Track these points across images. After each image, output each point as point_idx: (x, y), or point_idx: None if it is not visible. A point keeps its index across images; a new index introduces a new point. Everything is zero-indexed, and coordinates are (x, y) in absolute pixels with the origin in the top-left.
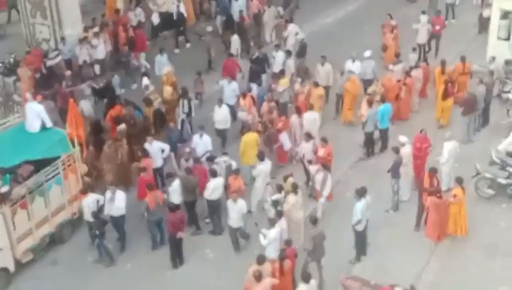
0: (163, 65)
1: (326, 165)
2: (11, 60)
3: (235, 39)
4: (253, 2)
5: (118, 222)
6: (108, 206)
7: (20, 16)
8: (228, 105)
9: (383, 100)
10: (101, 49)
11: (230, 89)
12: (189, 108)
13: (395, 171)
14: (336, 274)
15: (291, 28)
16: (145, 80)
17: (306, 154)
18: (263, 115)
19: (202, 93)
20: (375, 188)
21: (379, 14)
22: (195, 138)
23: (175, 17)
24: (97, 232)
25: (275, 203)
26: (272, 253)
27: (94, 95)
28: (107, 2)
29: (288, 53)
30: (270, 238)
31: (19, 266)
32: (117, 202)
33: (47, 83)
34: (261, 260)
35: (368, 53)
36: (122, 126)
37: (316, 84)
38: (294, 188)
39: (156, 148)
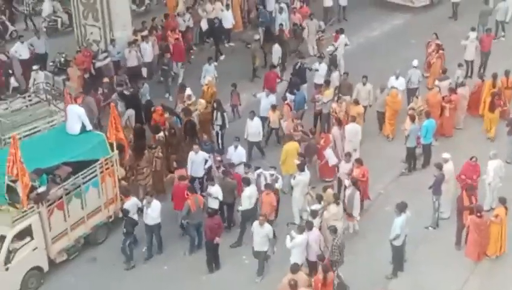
0: (211, 74)
1: (356, 184)
2: (62, 60)
3: (276, 49)
4: (296, 15)
5: (153, 230)
6: (144, 215)
7: (73, 17)
8: (261, 117)
9: (427, 115)
10: (149, 52)
11: (268, 101)
12: (223, 121)
13: (436, 188)
14: (371, 288)
15: (342, 39)
16: (188, 90)
17: (342, 175)
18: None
19: (238, 105)
20: (415, 203)
21: (427, 28)
22: (230, 149)
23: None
24: (124, 230)
25: (314, 213)
26: (296, 258)
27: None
28: (168, 2)
29: (334, 65)
30: (294, 243)
31: (53, 263)
32: (151, 212)
33: (95, 84)
34: (295, 269)
35: (415, 62)
36: (161, 134)
37: (356, 102)
38: (336, 199)
39: (201, 158)
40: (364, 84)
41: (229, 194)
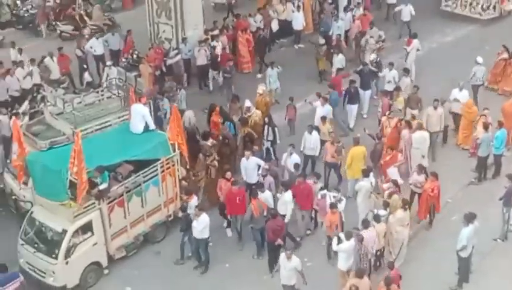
0: (275, 78)
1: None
2: (134, 56)
3: (339, 59)
4: (355, 23)
5: (199, 245)
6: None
7: (146, 15)
8: (315, 127)
9: (500, 125)
10: (219, 52)
11: (324, 111)
12: (274, 136)
13: (507, 199)
14: None
15: (415, 43)
16: (247, 102)
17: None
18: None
19: (294, 120)
20: (484, 214)
21: (503, 34)
22: (284, 156)
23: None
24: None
25: (377, 218)
26: (342, 264)
27: None
28: None
29: (406, 71)
30: (339, 248)
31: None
32: (197, 225)
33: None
34: (360, 273)
35: (479, 59)
36: (209, 142)
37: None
38: (405, 204)
39: (253, 164)
40: (435, 108)
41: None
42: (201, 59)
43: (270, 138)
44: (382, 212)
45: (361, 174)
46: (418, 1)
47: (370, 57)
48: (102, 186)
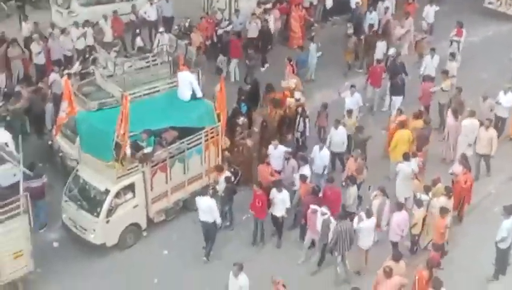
0: (313, 54)
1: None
2: (186, 25)
3: (381, 45)
4: (387, 15)
5: (206, 228)
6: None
7: None
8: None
9: None
10: (271, 25)
11: (354, 101)
12: (304, 127)
13: None
14: (471, 288)
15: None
16: (298, 94)
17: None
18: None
19: (325, 127)
20: None
21: None
22: (315, 149)
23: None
24: (223, 194)
25: (419, 203)
26: (363, 242)
27: None
28: None
29: (452, 55)
30: (359, 227)
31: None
32: (201, 205)
33: (216, 51)
34: (397, 257)
35: None
36: (240, 121)
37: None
38: (448, 192)
39: (280, 153)
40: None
41: None
42: (253, 32)
43: (301, 129)
44: (424, 197)
45: (402, 157)
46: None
47: (389, 52)
48: (147, 150)
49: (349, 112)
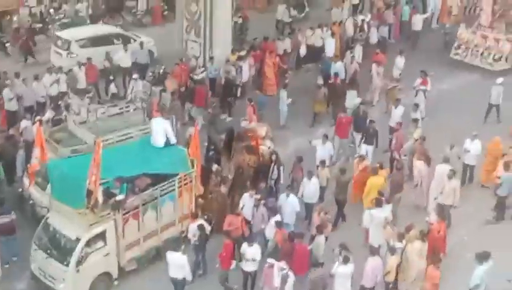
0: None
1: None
2: (161, 71)
3: (352, 94)
4: (353, 64)
5: (176, 285)
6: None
7: (176, 31)
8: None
9: None
10: (245, 72)
11: (326, 150)
12: (278, 175)
13: None
14: None
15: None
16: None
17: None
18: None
19: (299, 180)
20: (499, 254)
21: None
22: (282, 197)
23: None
24: (197, 243)
25: (392, 250)
26: (338, 288)
27: None
28: None
29: (416, 106)
30: (335, 272)
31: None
32: (172, 261)
33: (190, 97)
34: None
35: (499, 80)
36: (213, 168)
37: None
38: (423, 236)
39: (253, 203)
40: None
41: None
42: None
43: (275, 176)
44: (398, 244)
45: (375, 203)
46: (425, 48)
47: (355, 101)
48: (119, 197)
49: (322, 162)
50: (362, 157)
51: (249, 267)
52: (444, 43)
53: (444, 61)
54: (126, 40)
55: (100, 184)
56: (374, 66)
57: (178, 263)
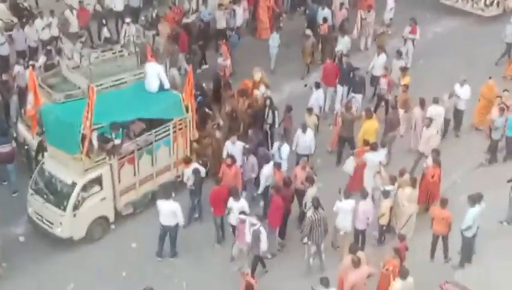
0: (275, 43)
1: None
2: (154, 15)
3: (345, 41)
4: (342, 11)
5: (168, 232)
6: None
7: None
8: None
9: None
10: (239, 16)
11: (314, 97)
12: (273, 119)
13: None
14: (436, 276)
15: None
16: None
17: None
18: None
19: (289, 130)
20: (492, 196)
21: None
22: (275, 146)
23: None
24: (193, 188)
25: (386, 194)
26: (340, 223)
27: None
28: None
29: (399, 53)
30: (338, 208)
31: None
32: (163, 209)
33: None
34: (354, 249)
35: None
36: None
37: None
38: (413, 182)
39: (239, 149)
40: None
41: None
42: (221, 23)
43: (270, 120)
44: (389, 187)
45: (370, 148)
46: None
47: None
48: (117, 141)
49: (309, 110)
50: (349, 105)
51: (235, 221)
52: None
53: (435, 5)
54: None
55: (95, 129)
56: (359, 11)
57: (170, 210)
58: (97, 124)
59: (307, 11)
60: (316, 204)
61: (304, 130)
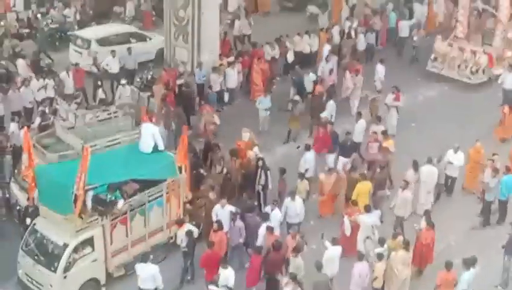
0: (265, 106)
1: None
2: (149, 77)
3: (331, 105)
4: (331, 76)
5: None
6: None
7: (164, 37)
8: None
9: (508, 170)
10: (233, 78)
11: (304, 160)
12: (266, 180)
13: (510, 247)
14: None
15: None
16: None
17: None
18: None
19: (283, 194)
20: (485, 259)
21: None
22: (267, 209)
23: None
24: (186, 249)
25: (380, 256)
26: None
27: None
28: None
29: (378, 119)
30: (325, 256)
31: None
32: (141, 273)
33: (177, 102)
34: None
35: None
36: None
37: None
38: (406, 245)
39: (227, 214)
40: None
41: None
42: (215, 85)
43: (262, 181)
44: (380, 249)
45: (364, 209)
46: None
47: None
48: (120, 204)
49: (301, 175)
50: (332, 171)
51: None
52: (411, 58)
53: (423, 72)
54: (142, 39)
55: (91, 189)
56: (348, 75)
57: (149, 274)
58: (90, 185)
59: (293, 77)
60: (293, 277)
61: (293, 197)
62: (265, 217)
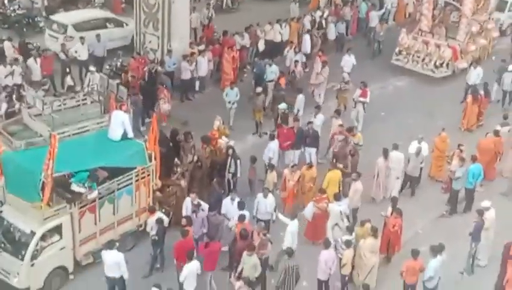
0: (232, 98)
1: None
2: (118, 64)
3: (300, 99)
4: (297, 68)
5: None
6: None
7: (134, 24)
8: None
9: (474, 159)
10: (204, 67)
11: (268, 148)
12: (236, 169)
13: (476, 235)
14: None
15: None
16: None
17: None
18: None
19: (254, 181)
20: (452, 247)
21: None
22: (226, 201)
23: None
24: (156, 238)
25: (348, 243)
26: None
27: None
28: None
29: (338, 113)
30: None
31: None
32: (108, 259)
33: (147, 90)
34: None
35: (511, 67)
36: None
37: (310, 166)
38: (374, 232)
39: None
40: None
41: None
42: (186, 73)
43: (232, 170)
44: (348, 237)
45: (334, 198)
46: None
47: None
48: (93, 195)
49: (271, 166)
50: (310, 165)
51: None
52: (372, 51)
53: (386, 66)
54: (119, 24)
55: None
56: (318, 60)
57: (114, 261)
58: (58, 172)
59: (254, 69)
60: (291, 252)
61: (266, 195)
62: (242, 206)
